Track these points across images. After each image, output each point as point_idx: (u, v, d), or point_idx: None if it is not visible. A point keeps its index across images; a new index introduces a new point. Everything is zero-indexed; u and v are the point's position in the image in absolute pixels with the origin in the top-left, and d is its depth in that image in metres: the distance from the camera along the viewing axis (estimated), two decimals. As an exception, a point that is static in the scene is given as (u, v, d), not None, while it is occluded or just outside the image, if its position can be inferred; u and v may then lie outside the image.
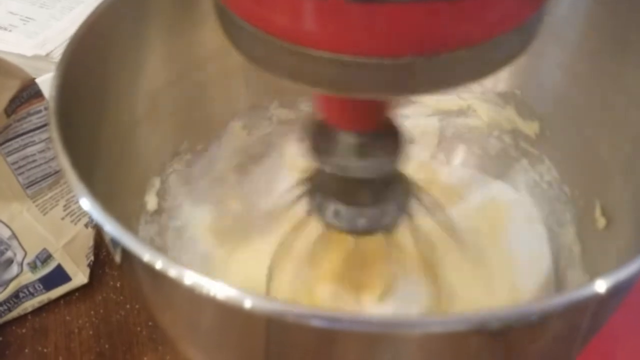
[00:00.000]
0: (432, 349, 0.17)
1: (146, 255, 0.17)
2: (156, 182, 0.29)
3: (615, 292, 0.16)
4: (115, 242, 0.21)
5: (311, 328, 0.15)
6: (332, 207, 0.23)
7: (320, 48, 0.16)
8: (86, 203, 0.18)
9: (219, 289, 0.15)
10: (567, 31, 0.28)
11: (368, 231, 0.24)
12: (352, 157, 0.21)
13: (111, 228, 0.18)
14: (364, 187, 0.23)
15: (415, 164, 0.36)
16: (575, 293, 0.16)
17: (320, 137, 0.22)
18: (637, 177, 0.24)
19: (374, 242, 0.25)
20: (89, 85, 0.24)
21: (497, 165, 0.34)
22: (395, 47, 0.15)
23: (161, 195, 0.30)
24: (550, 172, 0.30)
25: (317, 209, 0.24)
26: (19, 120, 0.34)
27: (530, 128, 0.31)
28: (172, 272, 0.16)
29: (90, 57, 0.24)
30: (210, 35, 0.29)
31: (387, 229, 0.24)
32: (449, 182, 0.35)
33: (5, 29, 0.55)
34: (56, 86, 0.22)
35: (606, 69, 0.27)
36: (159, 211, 0.30)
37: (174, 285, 0.17)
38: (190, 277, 0.16)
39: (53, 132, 0.20)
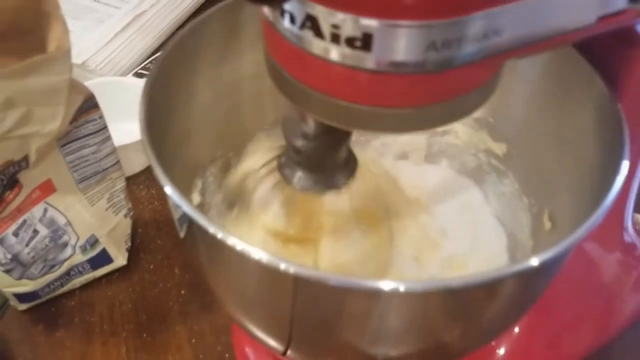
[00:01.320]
0: (409, 303, 0.25)
1: (211, 228, 0.24)
2: (199, 183, 0.36)
3: (546, 266, 0.24)
4: (182, 221, 0.28)
5: (328, 287, 0.23)
6: (298, 173, 0.31)
7: (347, 100, 0.23)
8: (169, 189, 0.25)
9: (261, 254, 0.22)
10: (530, 75, 0.35)
11: (322, 190, 0.31)
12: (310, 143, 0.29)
13: (187, 209, 0.25)
14: (320, 161, 0.30)
15: (408, 171, 0.43)
16: (513, 267, 0.24)
17: (295, 127, 0.29)
18: (577, 192, 0.32)
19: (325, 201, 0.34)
20: (161, 103, 0.30)
21: (473, 176, 0.41)
22: (400, 101, 0.23)
23: (202, 193, 0.37)
24: (513, 184, 0.38)
25: (287, 176, 0.31)
26: (77, 127, 0.40)
27: (499, 149, 0.39)
28: (230, 240, 0.23)
29: (161, 85, 0.31)
30: (247, 64, 0.36)
31: (337, 187, 0.32)
32: (435, 186, 0.43)
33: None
34: (144, 104, 0.29)
35: (558, 105, 0.34)
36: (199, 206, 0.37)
37: (229, 251, 0.23)
38: (240, 245, 0.23)
39: (144, 136, 0.27)
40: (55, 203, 0.42)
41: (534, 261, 0.23)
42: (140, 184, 0.53)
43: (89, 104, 0.40)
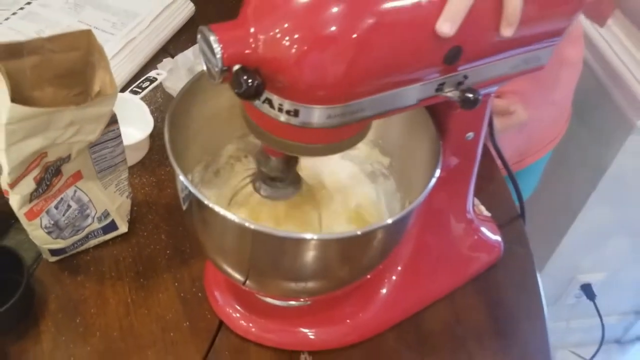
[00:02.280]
0: (318, 247, 0.46)
1: (206, 201, 0.43)
2: (190, 176, 0.56)
3: (397, 224, 0.45)
4: (186, 198, 0.47)
5: (276, 237, 0.43)
6: (263, 186, 0.51)
7: (285, 138, 0.43)
8: (182, 177, 0.44)
9: (235, 217, 0.42)
10: (401, 118, 0.56)
11: (280, 198, 0.52)
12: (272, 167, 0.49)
13: (193, 190, 0.44)
14: (278, 178, 0.51)
15: (329, 164, 0.63)
16: (378, 224, 0.45)
17: (261, 159, 0.49)
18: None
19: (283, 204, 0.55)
20: (174, 127, 0.49)
21: (369, 178, 0.62)
22: (313, 140, 0.43)
23: (192, 181, 0.56)
24: (392, 185, 0.59)
25: (257, 188, 0.51)
26: (103, 136, 0.58)
27: (385, 161, 0.60)
28: (217, 209, 0.43)
29: (175, 115, 0.49)
30: (224, 100, 0.55)
31: (289, 197, 0.52)
32: (343, 182, 0.63)
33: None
34: (168, 128, 0.47)
35: (414, 137, 0.55)
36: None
37: (216, 216, 0.43)
38: (223, 211, 0.43)
39: (169, 147, 0.46)
40: (82, 187, 0.60)
41: (390, 220, 0.44)
42: (134, 174, 0.71)
43: (112, 120, 0.58)
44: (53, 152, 0.53)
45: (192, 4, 0.92)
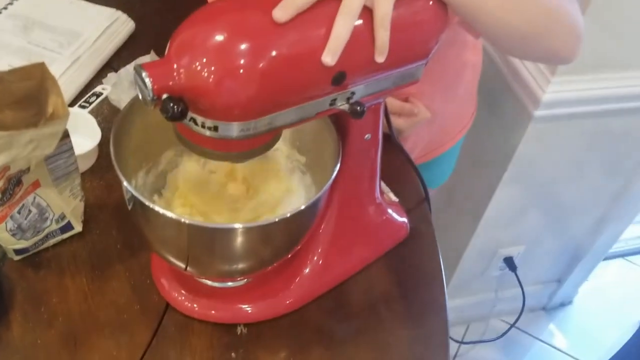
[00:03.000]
0: (244, 234, 0.57)
1: (147, 202, 0.53)
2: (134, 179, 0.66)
3: (308, 210, 0.56)
4: (130, 199, 0.57)
5: (207, 228, 0.54)
6: None
7: (209, 148, 0.54)
8: (126, 183, 0.54)
9: (172, 214, 0.53)
10: (312, 125, 0.67)
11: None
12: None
13: (135, 193, 0.54)
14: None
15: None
16: (294, 210, 0.56)
17: None
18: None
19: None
20: (118, 139, 0.59)
21: (290, 172, 0.73)
22: (233, 149, 0.54)
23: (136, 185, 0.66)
24: (309, 179, 0.70)
25: None
26: (57, 148, 0.67)
27: (302, 159, 0.71)
28: (157, 208, 0.53)
29: (118, 129, 0.59)
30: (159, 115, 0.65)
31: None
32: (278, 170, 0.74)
33: (7, 76, 0.86)
34: (113, 141, 0.57)
35: (322, 141, 0.66)
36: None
37: (156, 213, 0.53)
38: (160, 210, 0.53)
39: (114, 156, 0.56)
40: (40, 193, 0.69)
41: (300, 208, 0.56)
42: (85, 179, 0.80)
43: (65, 135, 0.67)
44: (15, 165, 0.62)
45: (132, 22, 1.01)
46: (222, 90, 0.49)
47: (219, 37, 0.49)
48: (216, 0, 0.51)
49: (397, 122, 0.91)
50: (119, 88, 0.90)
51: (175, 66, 0.49)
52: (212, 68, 0.48)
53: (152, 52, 0.95)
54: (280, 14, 0.48)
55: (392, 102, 0.92)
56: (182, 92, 0.49)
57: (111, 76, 0.92)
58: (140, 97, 0.50)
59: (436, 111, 0.99)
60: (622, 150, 1.32)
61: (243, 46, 0.48)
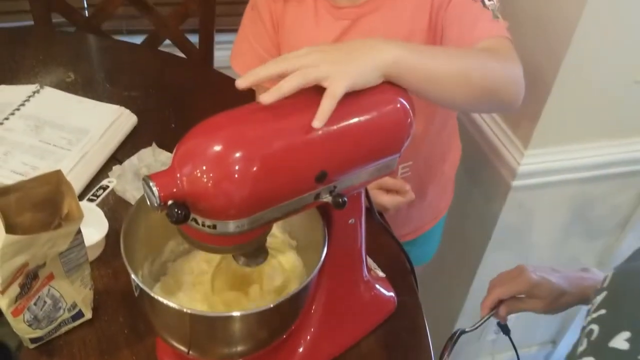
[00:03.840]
0: (240, 320, 0.62)
1: (151, 293, 0.60)
2: (140, 270, 0.72)
3: (300, 294, 0.62)
4: (137, 287, 0.63)
5: (208, 317, 0.60)
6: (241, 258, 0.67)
7: (208, 243, 0.60)
8: (134, 276, 0.61)
9: (175, 304, 0.59)
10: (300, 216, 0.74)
11: (253, 265, 0.68)
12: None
13: (142, 285, 0.61)
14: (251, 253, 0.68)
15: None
16: (287, 295, 0.62)
17: None
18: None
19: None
20: (127, 236, 0.66)
21: (281, 249, 0.80)
22: (229, 243, 0.60)
23: (142, 275, 0.72)
24: (301, 261, 0.77)
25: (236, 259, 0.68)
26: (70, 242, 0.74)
27: (293, 243, 0.78)
28: (159, 298, 0.59)
29: (127, 227, 0.66)
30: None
31: (260, 264, 0.68)
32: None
33: (21, 174, 0.94)
34: (123, 240, 0.64)
35: (311, 228, 0.73)
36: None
37: (160, 304, 0.60)
38: (164, 300, 0.59)
39: (124, 253, 0.62)
40: (54, 285, 0.75)
41: (291, 293, 0.62)
42: (94, 268, 0.86)
43: (77, 230, 0.74)
44: (33, 262, 0.68)
45: (134, 116, 1.10)
46: (219, 193, 0.56)
47: (216, 148, 0.56)
48: (213, 116, 0.59)
49: (383, 199, 0.99)
50: (124, 179, 0.97)
51: (178, 175, 0.56)
52: (211, 174, 0.55)
53: (154, 144, 1.03)
54: (267, 98, 0.57)
55: (385, 180, 1.00)
56: (184, 197, 0.56)
57: (116, 169, 1.00)
58: (148, 202, 0.57)
59: (425, 190, 1.07)
60: (601, 214, 1.39)
61: (237, 155, 0.56)
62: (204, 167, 0.56)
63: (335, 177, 0.62)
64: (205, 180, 0.55)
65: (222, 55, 1.66)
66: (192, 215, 0.57)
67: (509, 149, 1.22)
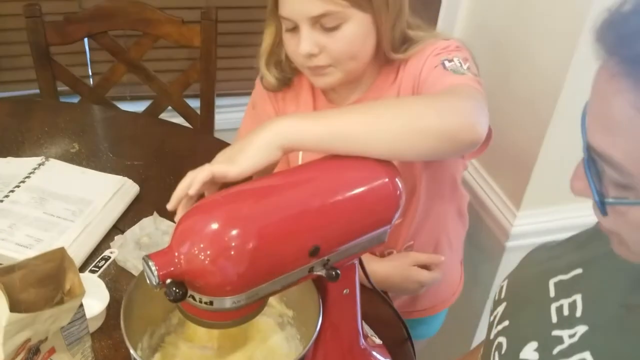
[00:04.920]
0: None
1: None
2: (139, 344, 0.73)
3: None
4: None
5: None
6: None
7: (205, 319, 0.62)
8: (133, 351, 0.62)
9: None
10: (299, 289, 0.76)
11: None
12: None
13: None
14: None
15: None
16: None
17: None
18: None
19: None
20: (127, 312, 0.68)
21: (280, 326, 0.81)
22: (228, 318, 0.62)
23: (141, 348, 0.74)
24: (297, 333, 0.79)
25: None
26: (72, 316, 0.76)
27: (290, 312, 0.80)
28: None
29: (127, 305, 0.68)
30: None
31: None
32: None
33: (26, 247, 0.96)
34: (123, 317, 0.66)
35: (307, 303, 0.75)
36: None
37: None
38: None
39: (124, 330, 0.64)
40: (55, 359, 0.76)
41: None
42: (94, 338, 0.87)
43: (79, 304, 0.76)
44: (35, 337, 0.70)
45: (136, 186, 1.13)
46: (216, 270, 0.58)
47: (212, 226, 0.59)
48: (211, 195, 0.63)
49: (421, 275, 1.01)
50: (125, 249, 1.00)
51: (176, 253, 0.59)
52: (208, 252, 0.58)
53: (155, 214, 1.06)
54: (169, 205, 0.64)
55: (417, 257, 1.03)
56: (182, 276, 0.58)
57: (118, 238, 1.02)
58: (148, 281, 0.59)
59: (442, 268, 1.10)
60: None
61: (232, 233, 0.59)
62: (201, 245, 0.58)
63: (328, 251, 0.65)
64: (202, 257, 0.58)
65: (222, 119, 1.72)
66: (190, 293, 0.60)
67: (501, 209, 1.24)
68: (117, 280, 0.97)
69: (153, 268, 0.57)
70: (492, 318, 0.65)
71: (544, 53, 1.12)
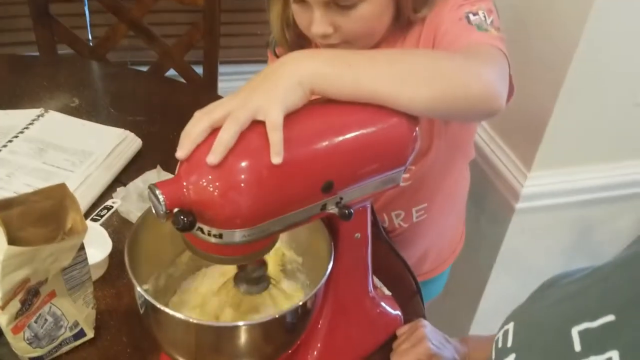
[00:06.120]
0: (245, 331, 0.61)
1: (156, 304, 0.59)
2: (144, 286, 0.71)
3: (305, 306, 0.61)
4: (142, 304, 0.62)
5: (213, 327, 0.59)
6: (243, 285, 0.67)
7: (215, 254, 0.60)
8: (139, 288, 0.60)
9: (181, 315, 0.58)
10: (305, 229, 0.74)
11: (255, 293, 0.68)
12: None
13: (147, 297, 0.60)
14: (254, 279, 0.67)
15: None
16: (293, 306, 0.61)
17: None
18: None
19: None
20: (132, 249, 0.65)
21: (287, 274, 0.79)
22: (237, 253, 0.60)
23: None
24: (306, 279, 0.76)
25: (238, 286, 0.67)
26: (73, 259, 0.73)
27: (299, 259, 0.77)
28: (164, 309, 0.58)
29: (132, 241, 0.65)
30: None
31: (262, 292, 0.68)
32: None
33: (25, 195, 0.94)
34: (128, 251, 0.63)
35: (315, 241, 0.73)
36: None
37: (165, 315, 0.59)
38: (170, 311, 0.58)
39: (127, 264, 0.62)
40: (56, 303, 0.74)
41: (297, 305, 0.61)
42: (96, 288, 0.84)
43: (80, 247, 0.73)
44: (34, 277, 0.67)
45: (139, 140, 1.10)
46: (225, 202, 0.55)
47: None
48: (217, 129, 0.59)
49: None
50: (128, 201, 0.97)
51: (184, 183, 0.56)
52: (217, 184, 0.55)
53: (159, 167, 1.03)
54: (213, 158, 0.54)
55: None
56: (191, 206, 0.56)
57: (120, 190, 0.99)
58: (154, 211, 0.56)
59: (442, 229, 1.07)
60: (602, 239, 1.38)
61: (242, 165, 0.56)
62: (210, 177, 0.55)
63: (341, 188, 0.62)
64: (211, 189, 0.55)
65: (226, 87, 1.68)
66: (199, 225, 0.57)
67: (512, 171, 1.22)
68: (120, 231, 0.94)
69: (160, 197, 0.55)
70: None
71: (559, 8, 1.09)
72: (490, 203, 1.31)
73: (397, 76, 0.62)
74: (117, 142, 1.06)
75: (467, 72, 0.66)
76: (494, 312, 1.47)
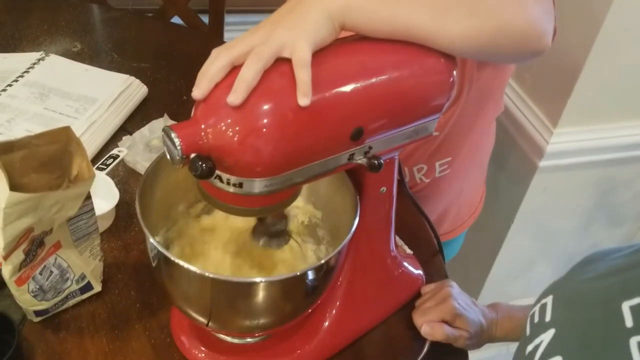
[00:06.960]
0: (265, 287, 0.57)
1: (170, 256, 0.54)
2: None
3: (327, 264, 0.57)
4: (155, 256, 0.58)
5: (230, 282, 0.54)
6: (263, 238, 0.63)
7: (233, 204, 0.55)
8: (151, 239, 0.56)
9: (196, 268, 0.53)
10: (327, 181, 0.69)
11: (275, 247, 0.64)
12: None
13: (161, 249, 0.55)
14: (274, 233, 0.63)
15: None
16: (314, 264, 0.57)
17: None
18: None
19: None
20: (143, 198, 0.60)
21: (308, 229, 0.75)
22: (255, 204, 0.55)
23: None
24: (327, 234, 0.72)
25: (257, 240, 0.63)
26: (79, 209, 0.69)
27: (318, 214, 0.72)
28: (179, 262, 0.54)
29: (143, 190, 0.61)
30: (179, 175, 0.67)
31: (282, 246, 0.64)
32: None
33: (27, 141, 0.88)
34: (139, 200, 0.58)
35: (335, 194, 0.68)
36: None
37: (181, 268, 0.54)
38: (185, 264, 0.54)
39: (140, 215, 0.57)
40: (61, 254, 0.69)
41: (320, 262, 0.56)
42: (104, 240, 0.80)
43: (87, 196, 0.68)
44: (39, 227, 0.63)
45: (145, 87, 1.04)
46: (246, 148, 0.50)
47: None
48: (237, 66, 0.53)
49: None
50: (134, 150, 0.92)
51: (202, 126, 0.51)
52: (237, 128, 0.50)
53: (166, 116, 0.98)
54: (234, 97, 0.49)
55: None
56: (209, 151, 0.51)
57: (126, 139, 0.94)
58: (169, 156, 0.51)
59: (463, 186, 1.01)
60: (625, 200, 1.34)
61: (265, 107, 0.50)
62: (229, 120, 0.50)
63: (371, 136, 0.57)
64: (231, 133, 0.50)
65: (232, 37, 1.60)
66: (217, 172, 0.52)
67: (537, 127, 1.16)
68: (127, 182, 0.89)
69: (176, 140, 0.50)
70: (530, 347, 0.50)
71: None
72: (511, 161, 1.26)
73: (437, 9, 0.56)
74: (122, 89, 1.00)
75: (512, 5, 0.60)
76: (506, 275, 1.44)
